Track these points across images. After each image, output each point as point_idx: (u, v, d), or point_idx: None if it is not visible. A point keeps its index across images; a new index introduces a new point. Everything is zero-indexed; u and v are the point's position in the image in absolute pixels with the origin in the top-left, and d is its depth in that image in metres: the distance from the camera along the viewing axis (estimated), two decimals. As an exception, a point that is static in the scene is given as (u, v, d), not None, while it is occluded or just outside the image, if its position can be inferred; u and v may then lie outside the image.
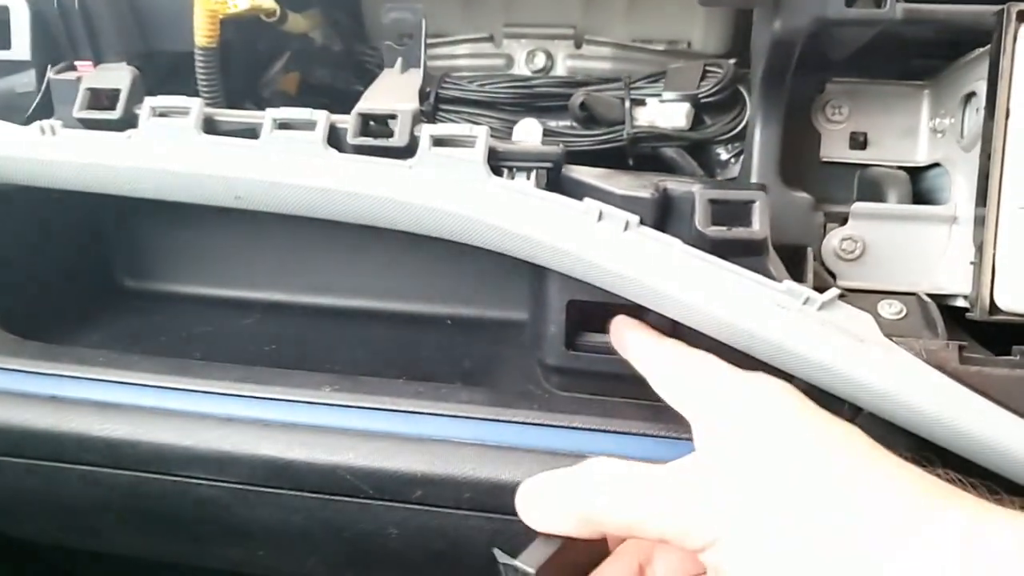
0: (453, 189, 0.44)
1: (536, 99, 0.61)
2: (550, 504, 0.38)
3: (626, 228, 0.41)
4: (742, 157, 0.56)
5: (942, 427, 0.37)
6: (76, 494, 0.51)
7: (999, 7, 0.41)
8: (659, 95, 0.58)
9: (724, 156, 0.59)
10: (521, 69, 0.67)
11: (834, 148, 0.52)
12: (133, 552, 0.59)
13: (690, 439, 0.38)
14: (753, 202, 0.41)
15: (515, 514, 0.45)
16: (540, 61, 0.66)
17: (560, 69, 0.66)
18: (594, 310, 0.49)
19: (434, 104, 0.60)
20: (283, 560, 0.53)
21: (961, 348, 0.39)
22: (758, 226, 0.41)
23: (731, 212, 0.41)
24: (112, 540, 0.57)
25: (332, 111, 0.48)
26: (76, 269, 0.64)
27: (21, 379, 0.50)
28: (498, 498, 0.45)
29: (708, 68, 0.58)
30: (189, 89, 0.58)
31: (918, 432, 0.38)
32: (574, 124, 0.61)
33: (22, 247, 0.59)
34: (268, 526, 0.50)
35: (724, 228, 0.40)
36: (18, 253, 0.59)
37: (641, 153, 0.59)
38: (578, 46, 0.66)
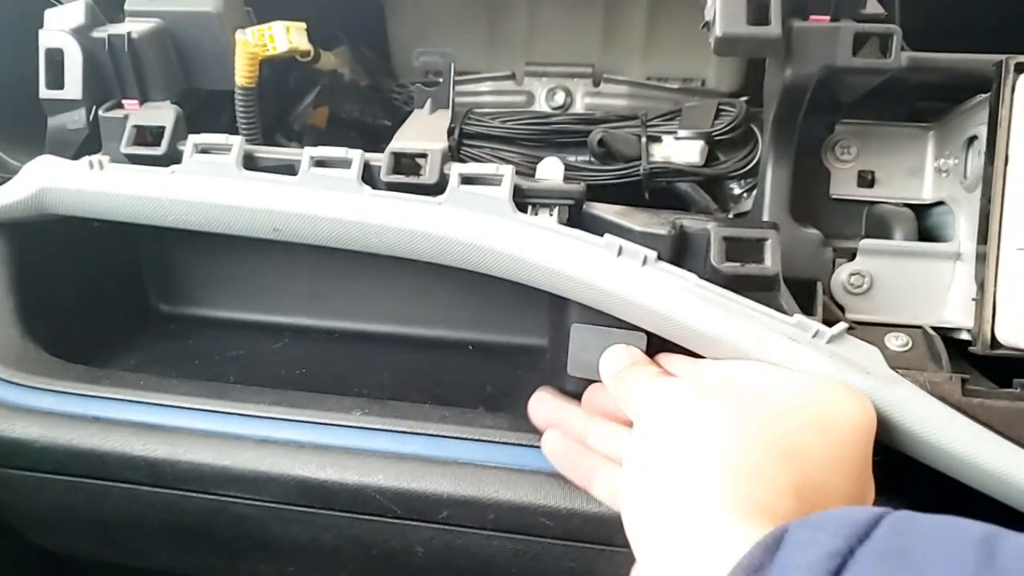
0: (481, 224, 0.46)
1: (556, 135, 0.64)
2: None
3: (644, 263, 0.43)
4: (754, 192, 0.58)
5: (945, 455, 0.40)
6: (116, 510, 0.54)
7: (999, 57, 0.43)
8: (674, 132, 0.61)
9: (737, 191, 0.61)
10: (541, 106, 0.70)
11: (843, 186, 0.54)
12: (167, 566, 0.61)
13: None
14: (765, 240, 0.43)
15: (536, 535, 0.48)
16: (560, 98, 0.69)
17: (579, 106, 0.69)
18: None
19: (458, 139, 0.63)
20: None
21: (964, 381, 0.41)
22: (770, 263, 0.43)
23: (744, 249, 0.43)
24: (148, 555, 0.59)
25: (359, 144, 0.50)
26: (113, 295, 0.67)
27: (66, 401, 0.52)
28: (521, 519, 0.47)
29: (722, 107, 0.60)
30: (218, 122, 0.61)
31: (924, 460, 0.40)
32: (592, 159, 0.63)
33: (64, 274, 0.62)
34: (299, 543, 0.52)
35: (738, 264, 0.43)
36: (60, 280, 0.62)
37: (656, 187, 0.62)
38: (596, 84, 0.69)
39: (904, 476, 0.43)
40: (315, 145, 0.50)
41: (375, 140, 0.71)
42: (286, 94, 0.68)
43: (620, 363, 0.45)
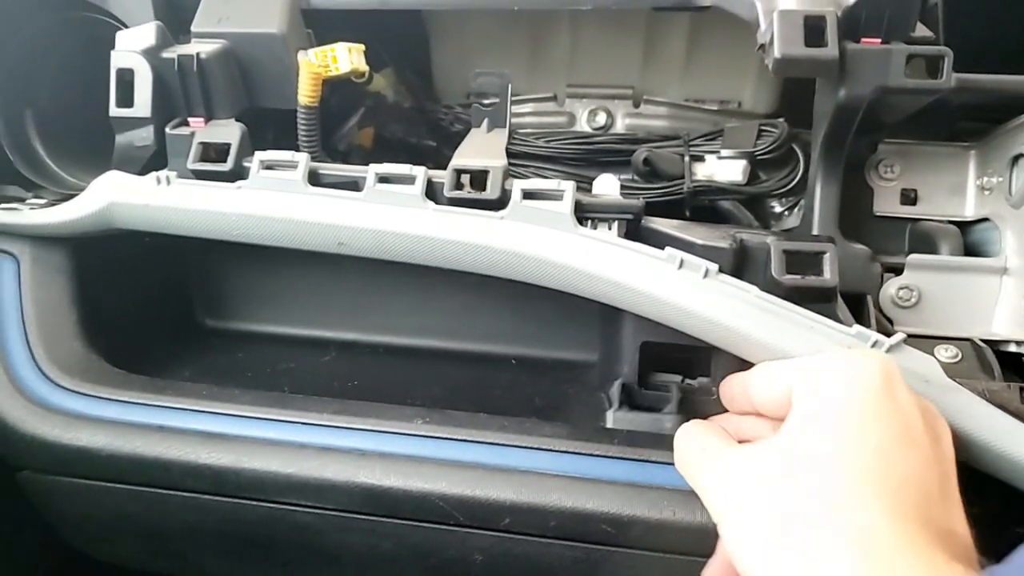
0: (543, 238, 0.47)
1: (598, 155, 0.66)
2: None
3: (706, 275, 0.45)
4: (798, 210, 0.60)
5: (1008, 463, 0.41)
6: (176, 519, 0.54)
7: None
8: (717, 152, 0.62)
9: (778, 209, 0.63)
10: (582, 126, 0.71)
11: (886, 203, 0.55)
12: (219, 576, 0.61)
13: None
14: (824, 253, 0.45)
15: (596, 543, 0.48)
16: (601, 119, 0.71)
17: (619, 127, 0.71)
18: (665, 352, 0.53)
19: (503, 159, 0.65)
20: (368, 585, 0.56)
21: (1022, 390, 0.42)
22: (829, 275, 0.44)
23: (803, 261, 0.45)
24: (201, 565, 0.60)
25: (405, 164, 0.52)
26: (161, 309, 0.68)
27: (131, 410, 0.53)
28: (581, 527, 0.48)
29: (764, 127, 0.62)
30: (263, 139, 0.62)
31: (984, 469, 0.42)
32: (635, 178, 0.65)
33: (117, 289, 0.63)
34: (357, 552, 0.53)
35: (799, 276, 0.44)
36: (114, 295, 0.63)
37: (699, 205, 0.63)
38: (636, 105, 0.71)
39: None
40: (364, 164, 0.52)
41: (420, 160, 0.72)
42: (328, 116, 0.70)
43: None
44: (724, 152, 0.62)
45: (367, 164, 0.51)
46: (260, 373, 0.62)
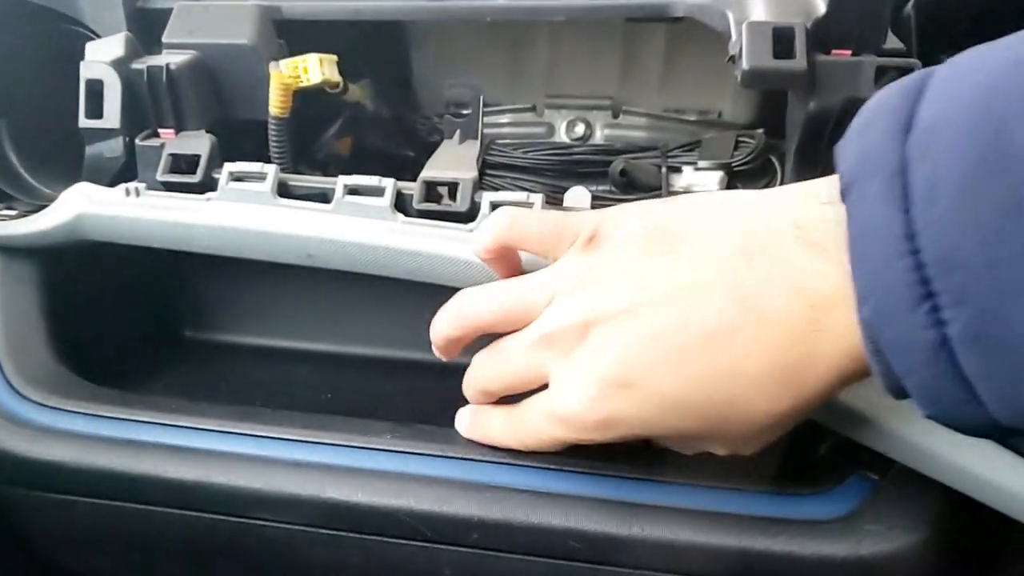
0: (512, 251, 0.47)
1: (577, 165, 0.65)
2: None
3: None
4: (774, 222, 0.59)
5: (982, 484, 0.40)
6: (146, 534, 0.54)
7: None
8: (694, 163, 0.62)
9: (756, 220, 0.62)
10: (561, 137, 0.71)
11: (861, 215, 0.55)
12: (191, 591, 0.61)
13: (744, 489, 0.42)
14: (792, 266, 0.44)
15: (564, 558, 0.48)
16: (580, 130, 0.70)
17: (598, 137, 0.71)
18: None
19: (481, 169, 0.64)
20: (338, 601, 0.55)
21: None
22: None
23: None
24: (171, 579, 0.59)
25: (382, 174, 0.52)
26: (139, 321, 0.68)
27: (100, 424, 0.53)
28: (549, 543, 0.47)
29: (740, 139, 0.61)
30: (241, 150, 0.62)
31: (967, 492, 0.41)
32: (613, 188, 0.64)
33: (91, 300, 0.63)
34: (327, 566, 0.52)
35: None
36: (88, 306, 0.63)
37: (676, 216, 0.63)
38: (615, 116, 0.70)
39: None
40: (339, 175, 0.51)
41: (398, 171, 0.72)
42: (307, 125, 0.70)
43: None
44: (701, 163, 0.62)
45: (344, 174, 0.51)
46: (235, 386, 0.62)
